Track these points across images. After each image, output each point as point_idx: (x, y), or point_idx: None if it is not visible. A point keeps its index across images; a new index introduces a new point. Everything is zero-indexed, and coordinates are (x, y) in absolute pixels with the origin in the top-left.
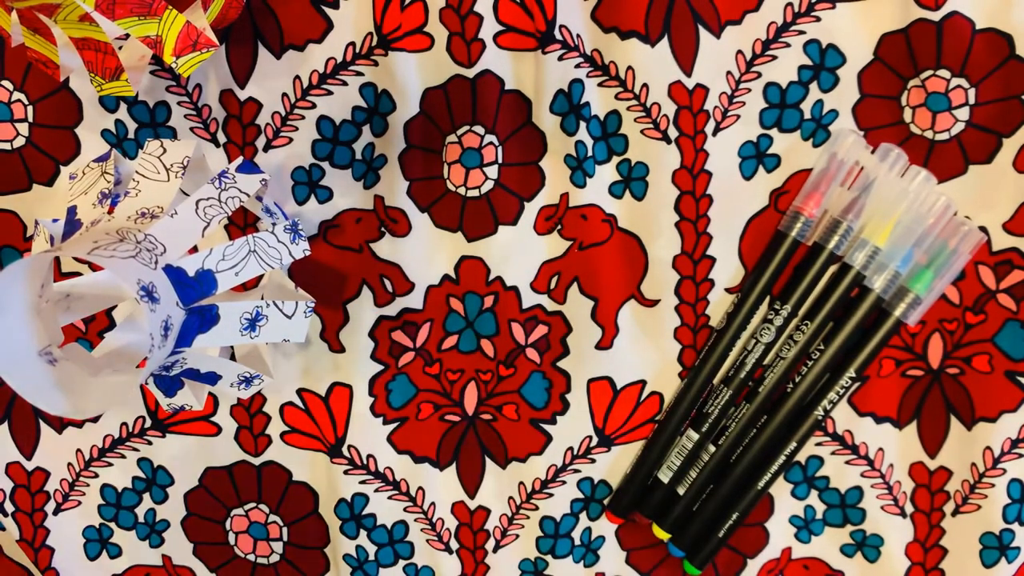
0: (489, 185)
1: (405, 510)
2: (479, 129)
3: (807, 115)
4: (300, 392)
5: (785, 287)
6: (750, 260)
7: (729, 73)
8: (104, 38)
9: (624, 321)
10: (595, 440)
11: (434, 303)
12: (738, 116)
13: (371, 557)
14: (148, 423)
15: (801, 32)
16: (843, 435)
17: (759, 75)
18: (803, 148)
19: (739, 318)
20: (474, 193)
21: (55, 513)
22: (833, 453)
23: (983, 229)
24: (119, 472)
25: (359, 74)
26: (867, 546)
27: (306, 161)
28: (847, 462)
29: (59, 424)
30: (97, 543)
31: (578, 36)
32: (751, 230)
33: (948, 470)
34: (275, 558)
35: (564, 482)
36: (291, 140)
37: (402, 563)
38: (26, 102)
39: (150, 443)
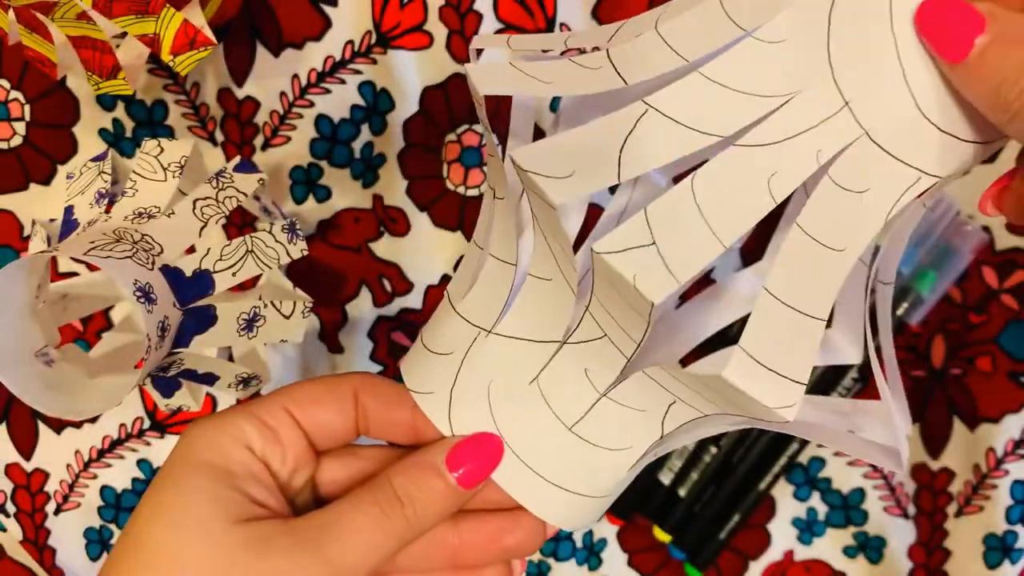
0: None
1: None
2: (479, 128)
3: None
4: None
5: None
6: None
7: None
8: (102, 36)
9: None
10: None
11: (433, 303)
12: None
13: None
14: (147, 424)
15: None
16: None
17: None
18: None
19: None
20: (474, 192)
21: (55, 514)
22: (835, 454)
23: (986, 229)
24: (118, 473)
25: (358, 72)
26: (870, 548)
27: (304, 160)
28: (849, 463)
29: (57, 425)
30: (98, 544)
31: None
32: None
33: (951, 471)
34: None
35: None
36: (289, 139)
37: None
38: (23, 101)
39: (149, 444)
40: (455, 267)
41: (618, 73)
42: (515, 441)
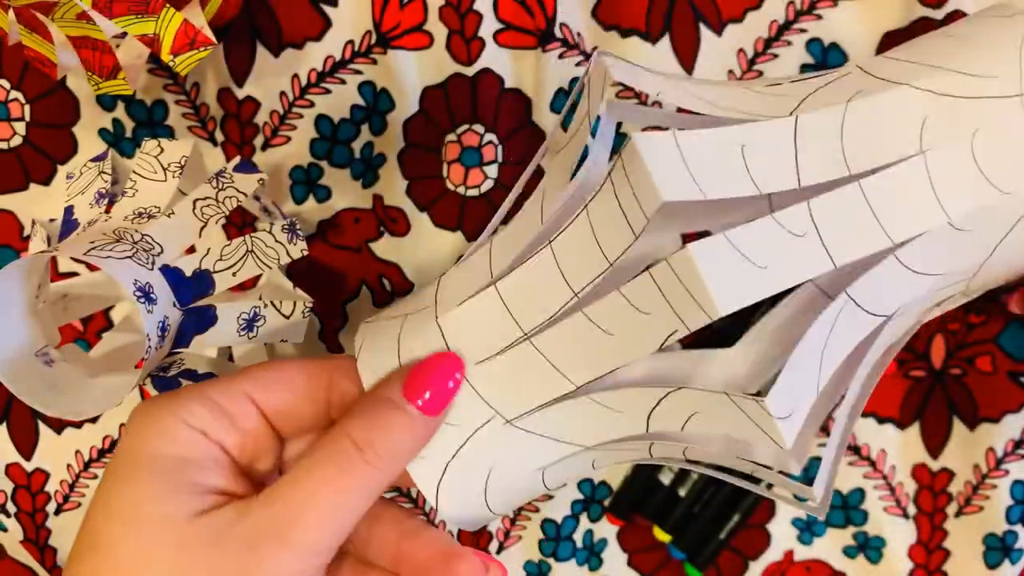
0: (489, 184)
1: None
2: (479, 128)
3: None
4: None
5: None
6: None
7: (731, 72)
8: (102, 36)
9: None
10: None
11: None
12: None
13: None
14: None
15: (803, 30)
16: None
17: (761, 73)
18: None
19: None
20: (474, 192)
21: (56, 514)
22: None
23: None
24: None
25: (358, 72)
26: (869, 548)
27: (304, 160)
28: (849, 463)
29: (58, 425)
30: None
31: (578, 34)
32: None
33: (951, 471)
34: None
35: (564, 483)
36: (289, 139)
37: None
38: (23, 101)
39: None
40: None
41: (830, 258)
42: (491, 496)
